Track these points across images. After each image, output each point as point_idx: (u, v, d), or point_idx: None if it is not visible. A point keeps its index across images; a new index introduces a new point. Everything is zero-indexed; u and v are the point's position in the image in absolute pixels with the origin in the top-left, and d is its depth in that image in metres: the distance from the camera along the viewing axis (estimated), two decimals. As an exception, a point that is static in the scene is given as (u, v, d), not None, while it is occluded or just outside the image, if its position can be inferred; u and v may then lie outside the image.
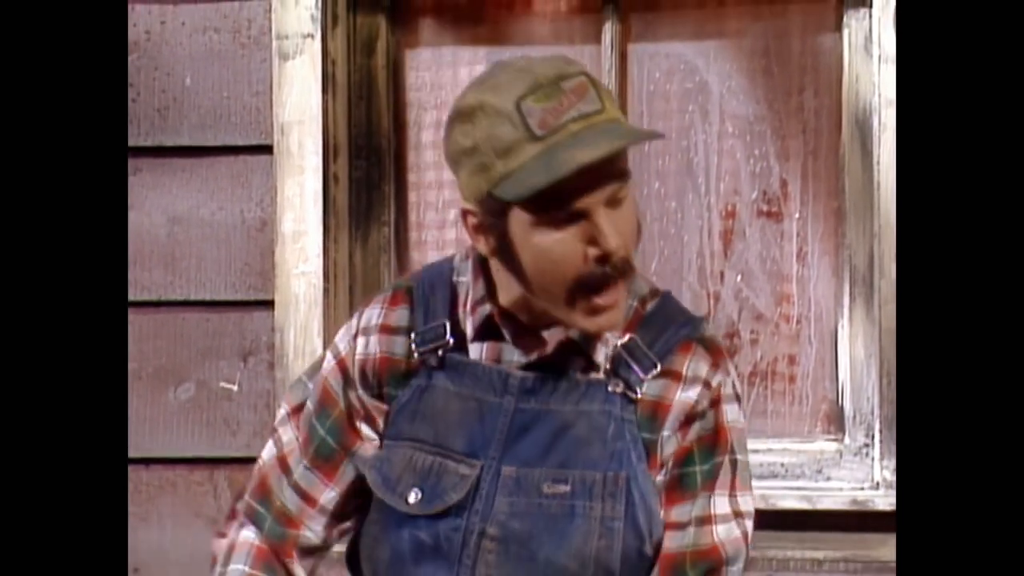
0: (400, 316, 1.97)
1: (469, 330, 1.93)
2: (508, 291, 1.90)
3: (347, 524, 2.04)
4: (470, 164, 1.83)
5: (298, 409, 2.03)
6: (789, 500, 2.77)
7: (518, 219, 1.82)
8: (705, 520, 1.91)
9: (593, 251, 1.81)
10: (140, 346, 2.92)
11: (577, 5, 2.99)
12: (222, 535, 2.05)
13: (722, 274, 2.96)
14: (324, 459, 1.99)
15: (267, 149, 2.90)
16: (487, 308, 1.92)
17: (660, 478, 1.91)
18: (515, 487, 1.89)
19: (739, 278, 2.95)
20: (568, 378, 1.91)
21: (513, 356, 1.92)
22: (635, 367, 1.90)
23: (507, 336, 1.92)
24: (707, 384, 1.91)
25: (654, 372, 1.90)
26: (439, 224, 3.03)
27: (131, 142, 2.90)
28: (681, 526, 1.91)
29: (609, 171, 1.79)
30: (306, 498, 2.00)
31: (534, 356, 1.91)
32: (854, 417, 2.88)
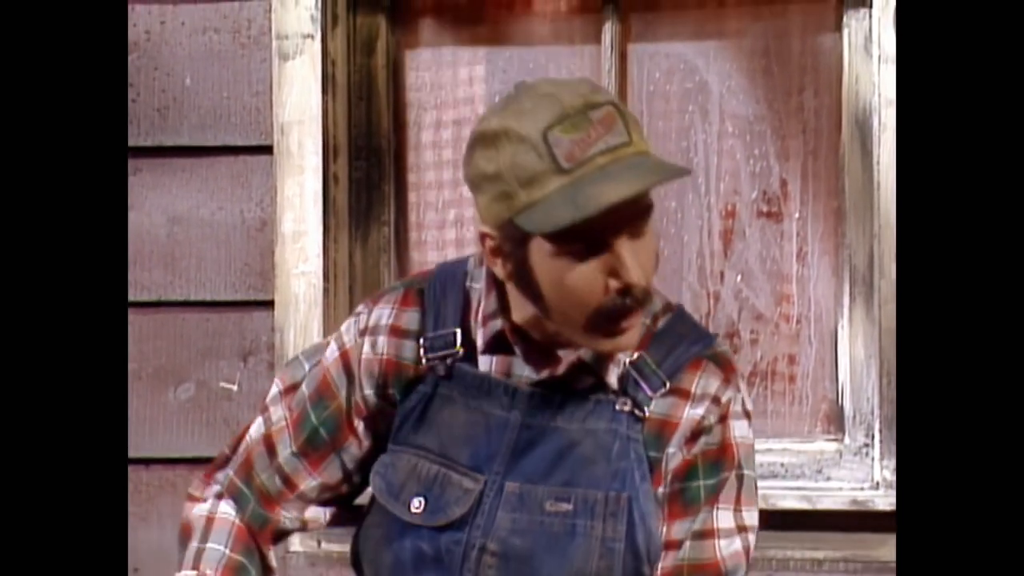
0: (411, 319, 1.96)
1: (480, 342, 1.92)
2: (522, 310, 1.89)
3: (318, 513, 2.03)
4: (492, 190, 1.80)
5: (292, 388, 2.01)
6: (789, 500, 2.77)
7: (538, 247, 1.79)
8: (707, 534, 1.90)
9: (614, 283, 1.79)
10: (140, 346, 2.92)
11: (577, 5, 2.99)
12: (195, 499, 2.04)
13: (722, 274, 2.96)
14: (313, 448, 1.99)
15: (267, 149, 2.90)
16: (498, 324, 1.90)
17: (662, 490, 1.90)
18: (518, 503, 1.89)
19: (739, 278, 2.95)
20: (576, 395, 1.90)
21: (523, 372, 1.91)
22: (643, 385, 1.89)
23: (518, 352, 1.91)
24: (716, 400, 1.90)
25: (663, 390, 1.89)
26: (439, 224, 3.03)
27: (131, 142, 2.90)
28: (681, 543, 1.90)
29: (634, 206, 1.76)
30: (288, 482, 1.99)
31: (544, 374, 1.90)
32: (854, 417, 2.88)
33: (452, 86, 3.02)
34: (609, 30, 2.93)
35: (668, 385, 1.89)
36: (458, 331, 1.93)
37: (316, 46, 2.88)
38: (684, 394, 1.90)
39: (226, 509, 2.01)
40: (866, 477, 2.85)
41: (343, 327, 2.00)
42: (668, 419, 1.90)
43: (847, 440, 2.88)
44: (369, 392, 1.97)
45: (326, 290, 2.89)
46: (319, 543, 2.87)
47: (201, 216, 2.92)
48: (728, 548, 1.90)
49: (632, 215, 1.78)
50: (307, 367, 2.01)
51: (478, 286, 1.94)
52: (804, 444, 2.90)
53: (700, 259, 2.96)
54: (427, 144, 3.03)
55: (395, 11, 3.02)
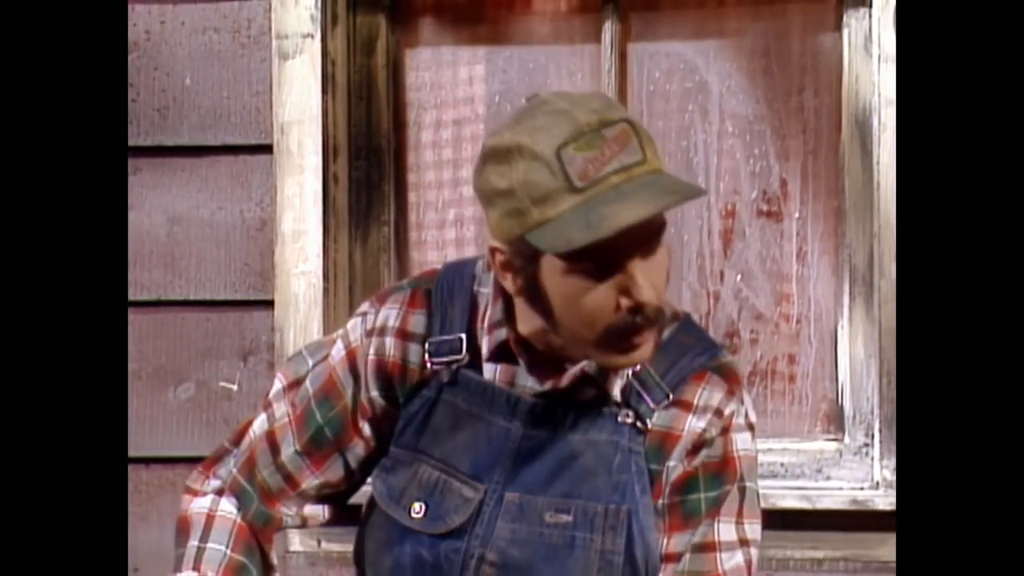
0: (417, 322, 1.94)
1: (484, 350, 1.91)
2: (529, 322, 1.87)
3: (317, 510, 2.02)
4: (504, 206, 1.78)
5: (295, 384, 2.00)
6: (789, 500, 2.77)
7: (550, 264, 1.78)
8: (708, 547, 1.89)
9: (626, 301, 1.77)
10: (140, 346, 2.92)
11: (577, 5, 2.99)
12: (194, 492, 2.03)
13: (722, 273, 2.96)
14: (317, 448, 1.98)
15: (267, 149, 2.90)
16: (503, 334, 1.89)
17: (662, 502, 1.89)
18: (517, 514, 1.89)
19: (739, 277, 2.95)
20: (578, 407, 1.89)
21: (527, 382, 1.90)
22: (646, 397, 1.88)
23: (522, 363, 1.90)
24: (719, 412, 1.89)
25: (665, 402, 1.88)
26: (439, 224, 3.03)
27: (131, 142, 2.90)
28: (680, 556, 1.89)
29: (647, 226, 1.74)
30: (290, 480, 1.99)
31: (548, 386, 1.89)
32: (854, 417, 2.88)
33: (452, 86, 3.02)
34: (609, 29, 2.93)
35: (671, 397, 1.88)
36: (464, 336, 1.92)
37: (316, 46, 2.88)
38: (687, 406, 1.89)
39: (227, 507, 2.00)
40: (866, 477, 2.85)
41: (349, 326, 1.99)
42: (670, 431, 1.89)
43: (847, 440, 2.88)
44: (375, 393, 1.96)
45: (326, 290, 2.89)
46: (319, 543, 2.87)
47: (201, 216, 2.92)
48: (729, 561, 1.88)
49: (645, 235, 1.76)
50: (310, 363, 2.00)
51: (486, 291, 1.93)
52: (804, 444, 2.90)
53: (700, 259, 2.96)
54: (427, 144, 3.03)
55: (395, 11, 3.02)
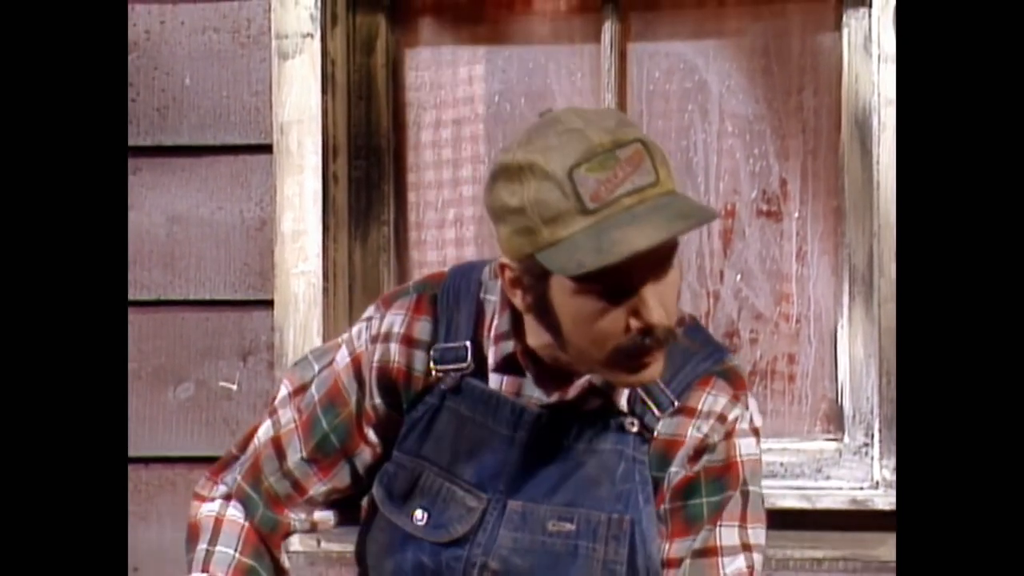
0: (423, 328, 1.93)
1: (491, 360, 1.90)
2: (537, 337, 1.86)
3: (328, 515, 2.02)
4: (514, 223, 1.76)
5: (301, 390, 1.99)
6: (788, 499, 2.77)
7: (559, 283, 1.76)
8: (709, 552, 1.88)
9: (636, 323, 1.76)
10: (140, 345, 2.92)
11: (577, 4, 2.99)
12: (201, 498, 2.02)
13: (722, 273, 2.96)
14: (324, 455, 1.97)
15: (266, 149, 2.89)
16: (510, 346, 1.88)
17: (664, 507, 1.89)
18: (520, 522, 1.88)
19: (739, 277, 2.95)
20: (583, 416, 1.88)
21: (533, 393, 1.89)
22: (652, 405, 1.88)
23: (529, 375, 1.89)
24: (722, 418, 1.89)
25: (671, 410, 1.88)
26: (438, 223, 3.03)
27: (131, 142, 2.90)
28: (681, 562, 1.89)
29: (659, 248, 1.72)
30: (297, 487, 1.98)
31: (554, 397, 1.88)
32: (853, 416, 2.88)
33: (452, 85, 3.02)
34: (609, 29, 2.93)
35: (676, 404, 1.88)
36: (469, 344, 1.91)
37: (316, 45, 2.88)
38: (691, 412, 1.88)
39: (235, 512, 1.99)
40: (865, 476, 2.85)
41: (354, 331, 1.97)
42: (674, 438, 1.88)
43: (846, 439, 2.88)
44: (379, 400, 1.95)
45: (326, 289, 2.89)
46: (319, 543, 2.87)
47: (201, 215, 2.92)
48: (731, 566, 1.88)
49: (657, 259, 1.75)
50: (316, 368, 1.99)
51: (493, 299, 1.92)
52: (804, 443, 2.90)
53: (700, 258, 2.96)
54: (427, 143, 3.03)
55: (395, 10, 3.02)
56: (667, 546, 1.89)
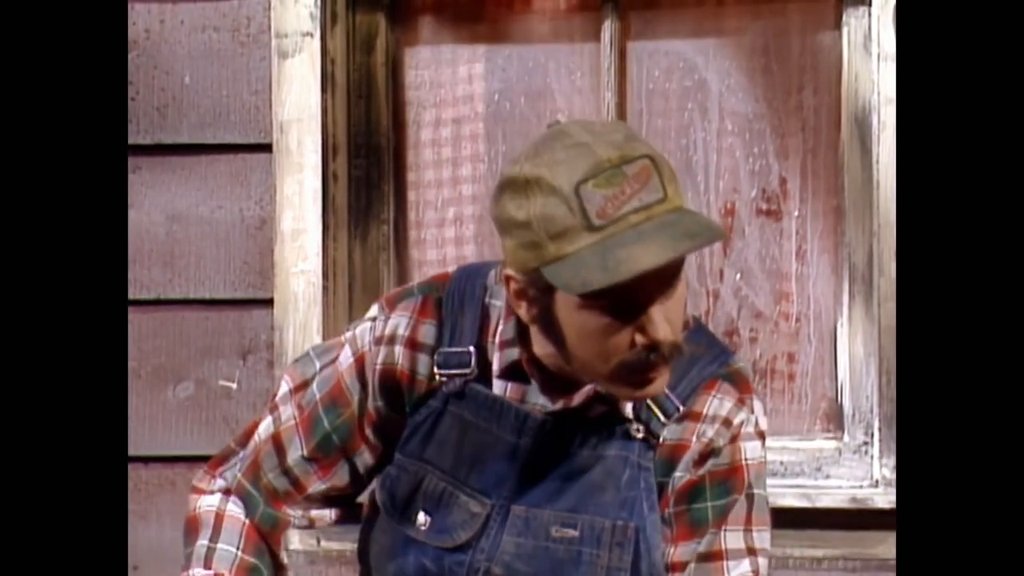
0: (427, 332, 1.92)
1: (495, 366, 1.89)
2: (542, 346, 1.85)
3: (325, 512, 2.01)
4: (520, 236, 1.75)
5: (302, 386, 1.98)
6: (788, 498, 2.77)
7: (565, 297, 1.75)
8: (714, 556, 1.87)
9: (642, 339, 1.75)
10: (139, 344, 2.92)
11: (576, 3, 2.99)
12: (200, 491, 2.01)
13: (721, 272, 2.96)
14: (324, 454, 1.96)
15: (266, 147, 2.89)
16: (515, 353, 1.87)
17: (668, 510, 1.88)
18: (523, 528, 1.88)
19: (738, 276, 2.95)
20: (588, 422, 1.87)
21: (538, 400, 1.88)
22: (657, 412, 1.87)
23: (534, 383, 1.88)
24: (727, 422, 1.88)
25: (676, 415, 1.87)
26: (438, 222, 3.03)
27: (130, 140, 2.90)
28: (686, 566, 1.88)
29: (665, 267, 1.71)
30: (296, 484, 1.97)
31: (559, 405, 1.87)
32: (853, 415, 2.88)
33: (451, 84, 3.02)
34: (608, 28, 2.93)
35: (681, 410, 1.87)
36: (473, 350, 1.90)
37: (315, 44, 2.88)
38: (696, 416, 1.88)
39: (235, 508, 1.99)
40: (865, 475, 2.85)
41: (358, 331, 1.96)
42: (680, 443, 1.88)
43: (846, 438, 2.88)
44: (381, 402, 1.94)
45: (325, 288, 2.89)
46: (318, 541, 2.87)
47: (200, 214, 2.92)
48: (736, 570, 1.87)
49: (664, 277, 1.74)
50: (317, 365, 1.98)
51: (498, 303, 1.90)
52: (803, 442, 2.90)
53: (699, 257, 2.96)
54: (426, 142, 3.03)
55: (394, 9, 3.02)
56: (671, 550, 1.89)
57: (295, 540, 2.87)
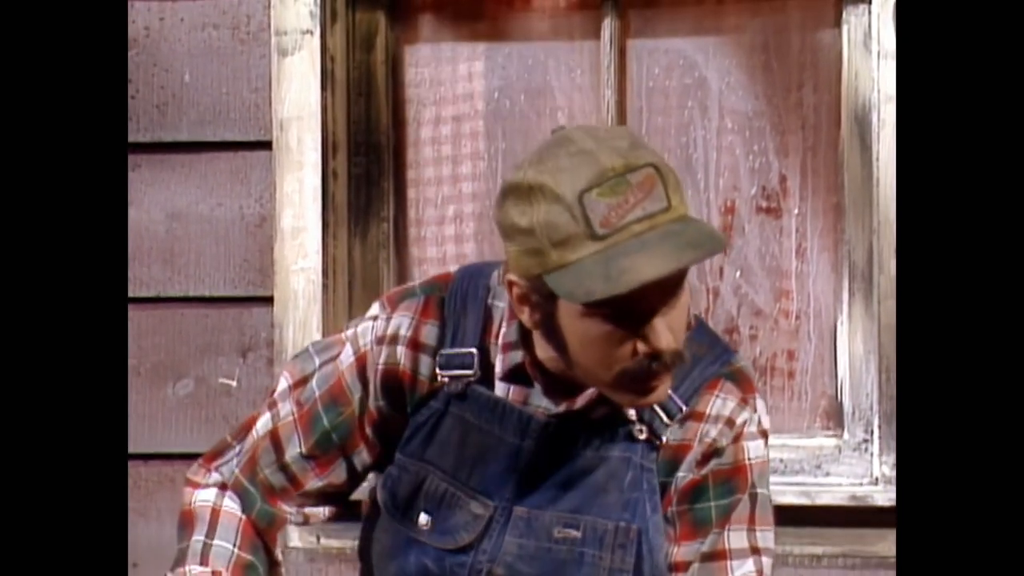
0: (429, 333, 1.91)
1: (498, 369, 1.88)
2: (545, 350, 1.85)
3: (319, 509, 2.00)
4: (523, 243, 1.75)
5: (301, 383, 1.97)
6: (788, 496, 2.77)
7: (567, 304, 1.75)
8: (718, 555, 1.87)
9: (644, 348, 1.75)
10: (139, 342, 2.92)
11: (576, 1, 2.98)
12: (195, 485, 2.00)
13: (721, 270, 2.96)
14: (323, 452, 1.95)
15: (266, 145, 2.89)
16: (519, 356, 1.87)
17: (671, 509, 1.88)
18: (525, 529, 1.88)
19: (738, 274, 2.95)
20: (591, 424, 1.87)
21: (541, 403, 1.87)
22: (660, 413, 1.86)
23: (537, 386, 1.88)
24: (730, 422, 1.88)
25: (680, 416, 1.87)
26: (438, 220, 3.03)
27: (130, 138, 2.90)
28: (689, 566, 1.88)
29: (669, 276, 1.71)
30: (293, 481, 1.96)
31: (562, 407, 1.87)
32: (853, 413, 2.88)
33: (451, 82, 3.02)
34: (608, 26, 2.93)
35: (684, 410, 1.87)
36: (475, 351, 1.89)
37: (315, 42, 2.88)
38: (699, 416, 1.87)
39: (231, 504, 1.98)
40: (865, 473, 2.85)
41: (359, 329, 1.95)
42: (683, 443, 1.87)
43: (846, 436, 2.88)
44: (383, 402, 1.93)
45: (325, 286, 2.89)
46: (318, 539, 2.87)
47: (200, 212, 2.92)
48: (740, 570, 1.87)
49: (667, 286, 1.74)
50: (317, 362, 1.96)
51: (501, 305, 1.90)
52: (803, 440, 2.90)
53: (699, 255, 2.96)
54: (426, 140, 3.03)
55: (394, 7, 3.02)
56: (675, 549, 1.88)
57: (294, 537, 2.87)
